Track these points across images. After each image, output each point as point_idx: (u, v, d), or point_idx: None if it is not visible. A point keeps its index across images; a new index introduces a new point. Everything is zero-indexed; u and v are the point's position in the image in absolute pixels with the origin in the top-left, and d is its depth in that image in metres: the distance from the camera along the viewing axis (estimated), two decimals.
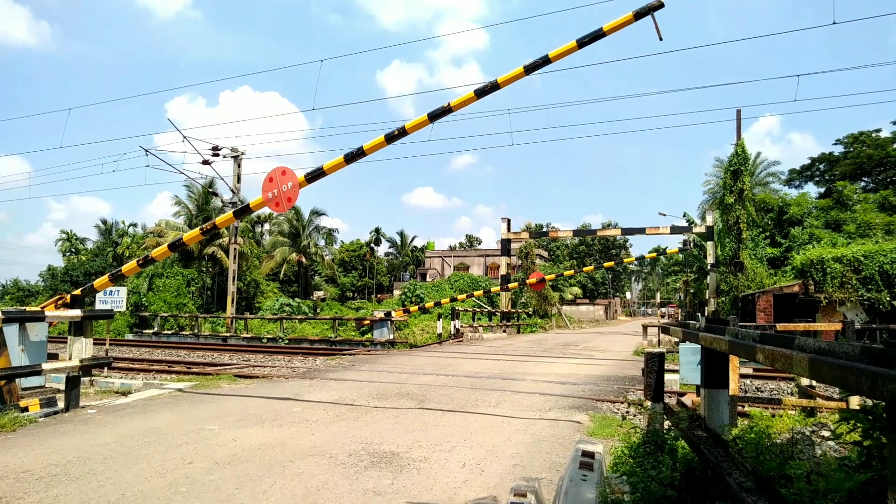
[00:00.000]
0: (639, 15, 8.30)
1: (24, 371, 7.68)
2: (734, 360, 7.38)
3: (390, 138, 8.96)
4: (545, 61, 8.64)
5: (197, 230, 9.47)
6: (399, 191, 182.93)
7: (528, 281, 20.90)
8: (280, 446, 6.05)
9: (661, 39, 8.70)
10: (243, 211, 9.86)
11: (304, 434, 6.66)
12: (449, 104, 9.26)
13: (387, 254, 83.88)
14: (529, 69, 8.78)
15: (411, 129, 9.10)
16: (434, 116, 9.18)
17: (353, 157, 8.77)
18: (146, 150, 24.41)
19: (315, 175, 8.55)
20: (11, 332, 8.16)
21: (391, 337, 22.98)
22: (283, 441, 6.29)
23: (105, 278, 9.32)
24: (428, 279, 62.11)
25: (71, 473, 5.02)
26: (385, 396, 9.40)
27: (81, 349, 8.27)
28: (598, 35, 8.38)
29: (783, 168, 45.47)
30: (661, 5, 8.33)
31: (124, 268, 9.41)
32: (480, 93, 9.08)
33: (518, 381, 11.68)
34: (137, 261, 9.39)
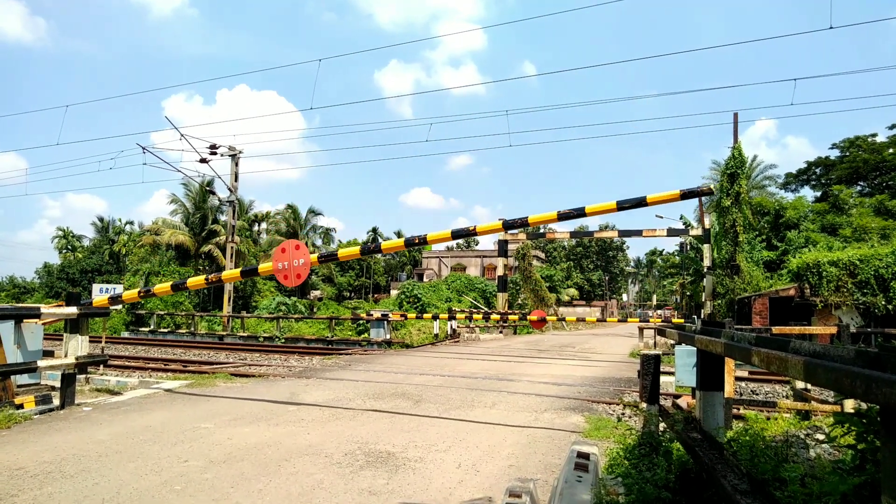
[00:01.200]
0: (686, 196, 8.05)
1: (20, 368, 7.66)
2: (730, 363, 7.40)
3: (409, 244, 8.77)
4: (580, 213, 8.34)
5: (202, 278, 9.39)
6: (396, 191, 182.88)
7: (528, 318, 20.93)
8: (276, 445, 6.05)
9: (705, 228, 8.60)
10: (250, 272, 9.72)
11: (300, 433, 6.65)
12: (475, 229, 8.79)
13: (384, 254, 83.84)
14: (563, 217, 8.42)
15: (433, 240, 8.83)
16: (457, 236, 8.80)
17: (369, 251, 8.83)
18: (143, 148, 24.39)
19: (328, 257, 8.59)
20: (7, 329, 8.14)
21: (388, 337, 22.98)
22: (278, 440, 6.28)
23: (104, 298, 9.29)
24: (425, 279, 62.10)
25: (66, 471, 5.01)
26: (381, 396, 9.40)
27: (77, 347, 8.25)
28: (639, 203, 8.06)
29: (780, 172, 45.62)
30: (711, 192, 8.19)
31: (125, 294, 9.47)
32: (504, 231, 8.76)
33: (514, 381, 11.69)
34: (139, 291, 9.42)
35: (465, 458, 5.74)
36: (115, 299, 9.24)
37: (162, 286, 9.44)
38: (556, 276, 63.77)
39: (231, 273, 9.21)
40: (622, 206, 8.07)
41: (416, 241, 8.64)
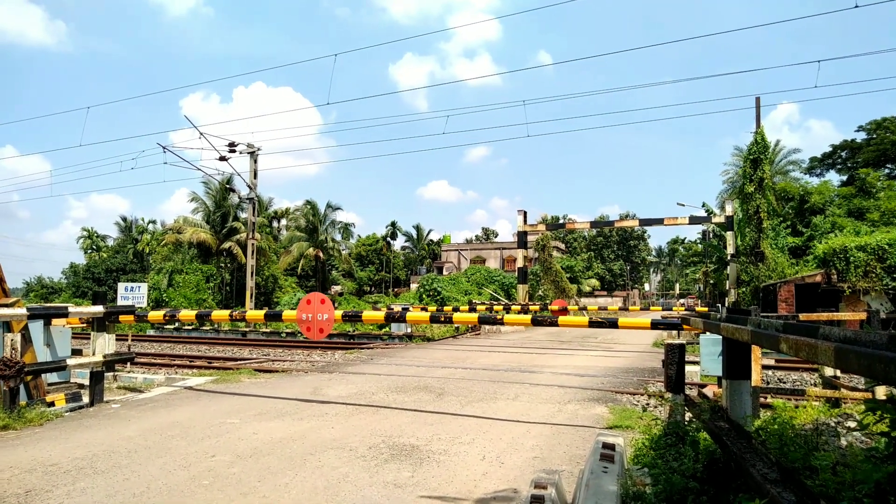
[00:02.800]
0: None
1: (50, 367, 7.82)
2: (756, 351, 7.30)
3: (434, 319, 9.03)
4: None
5: (226, 313, 9.32)
6: (413, 184, 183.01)
7: (549, 308, 20.87)
8: (301, 439, 6.10)
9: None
10: (274, 316, 9.35)
11: (325, 427, 6.70)
12: None
13: (403, 248, 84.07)
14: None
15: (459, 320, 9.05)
16: None
17: (392, 318, 9.08)
18: (164, 148, 24.69)
19: (351, 317, 8.78)
20: (36, 328, 8.32)
21: (409, 330, 23.05)
22: (303, 434, 6.34)
23: (130, 317, 9.42)
24: (444, 272, 62.15)
25: (97, 467, 5.10)
26: (404, 389, 9.44)
27: (104, 345, 8.40)
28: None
29: (804, 156, 44.67)
30: None
31: (150, 314, 9.61)
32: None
33: (536, 373, 11.66)
34: (164, 314, 9.56)
35: (489, 451, 5.74)
36: (140, 317, 9.41)
37: (187, 313, 9.62)
38: (577, 267, 63.40)
39: (255, 314, 9.29)
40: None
41: (441, 318, 8.88)
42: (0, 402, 6.89)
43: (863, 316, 8.92)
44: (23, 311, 7.40)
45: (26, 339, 7.90)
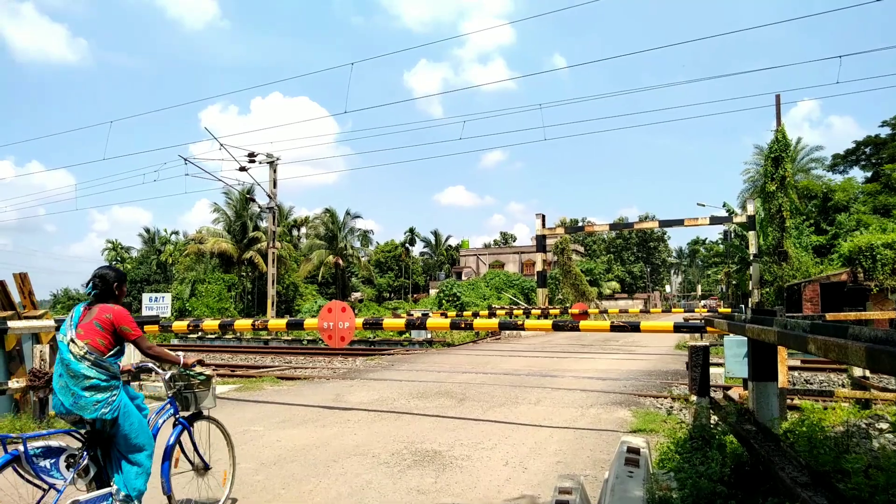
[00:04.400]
0: None
1: None
2: (782, 352, 7.18)
3: (454, 326, 9.21)
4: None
5: (248, 322, 9.61)
6: (430, 190, 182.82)
7: (570, 311, 20.84)
8: (324, 446, 6.12)
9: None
10: (296, 325, 9.50)
11: (347, 434, 6.72)
12: None
13: (422, 254, 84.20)
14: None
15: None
16: None
17: (413, 325, 9.53)
18: (185, 160, 25.00)
19: (372, 324, 8.93)
20: None
21: (429, 336, 23.05)
22: (326, 441, 6.36)
23: (155, 327, 9.60)
24: (463, 278, 62.11)
25: None
26: (425, 395, 9.44)
27: (130, 355, 8.50)
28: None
29: (826, 153, 43.86)
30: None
31: (175, 325, 9.80)
32: None
33: (558, 377, 11.59)
34: (188, 324, 9.78)
35: (512, 456, 5.71)
36: (165, 327, 9.57)
37: (210, 322, 9.78)
38: (597, 270, 62.96)
39: (277, 322, 9.45)
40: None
41: (462, 324, 9.00)
42: (31, 411, 7.02)
43: (892, 314, 8.75)
44: (51, 322, 7.54)
45: (54, 351, 8.04)
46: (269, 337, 26.67)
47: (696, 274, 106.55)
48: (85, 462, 3.39)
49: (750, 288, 27.53)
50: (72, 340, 3.44)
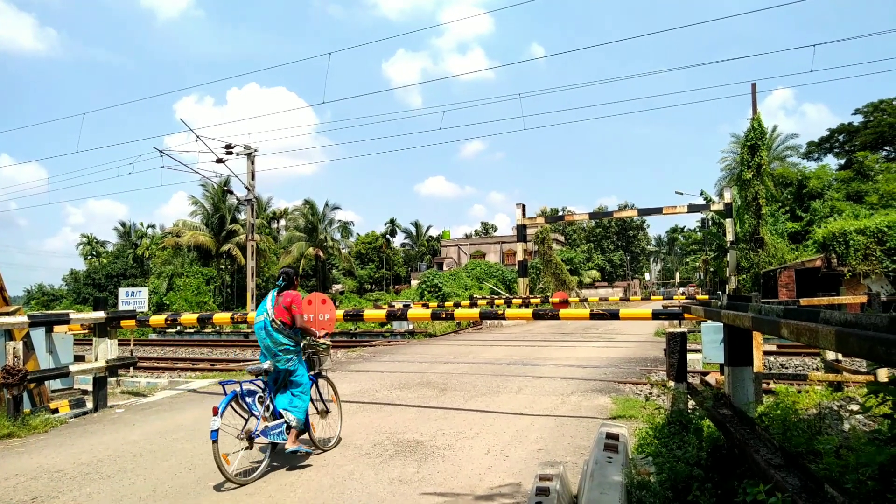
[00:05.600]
0: None
1: (53, 374, 7.82)
2: (758, 337, 7.31)
3: (435, 316, 9.05)
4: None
5: (227, 315, 9.42)
6: (411, 181, 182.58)
7: (550, 300, 21.00)
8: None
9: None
10: None
11: None
12: None
13: (403, 244, 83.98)
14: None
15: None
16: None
17: (394, 316, 9.22)
18: (161, 152, 24.59)
19: (353, 316, 9.01)
20: (38, 335, 8.32)
21: (410, 327, 23.06)
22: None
23: (132, 322, 9.43)
24: (445, 268, 62.12)
25: (103, 471, 5.11)
26: (407, 386, 9.45)
27: (107, 350, 8.40)
28: None
29: (801, 141, 44.50)
30: None
31: (152, 319, 9.63)
32: None
33: (539, 366, 11.67)
34: (166, 318, 9.64)
35: (494, 444, 5.75)
36: (142, 322, 9.42)
37: (189, 316, 9.66)
38: (577, 259, 63.34)
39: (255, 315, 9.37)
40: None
41: (443, 315, 8.93)
42: (4, 410, 6.90)
43: (863, 299, 8.94)
44: (24, 318, 7.40)
45: (28, 347, 7.90)
46: (249, 330, 26.46)
47: (674, 262, 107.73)
48: (268, 401, 5.03)
49: (727, 274, 27.93)
50: (272, 319, 5.18)
